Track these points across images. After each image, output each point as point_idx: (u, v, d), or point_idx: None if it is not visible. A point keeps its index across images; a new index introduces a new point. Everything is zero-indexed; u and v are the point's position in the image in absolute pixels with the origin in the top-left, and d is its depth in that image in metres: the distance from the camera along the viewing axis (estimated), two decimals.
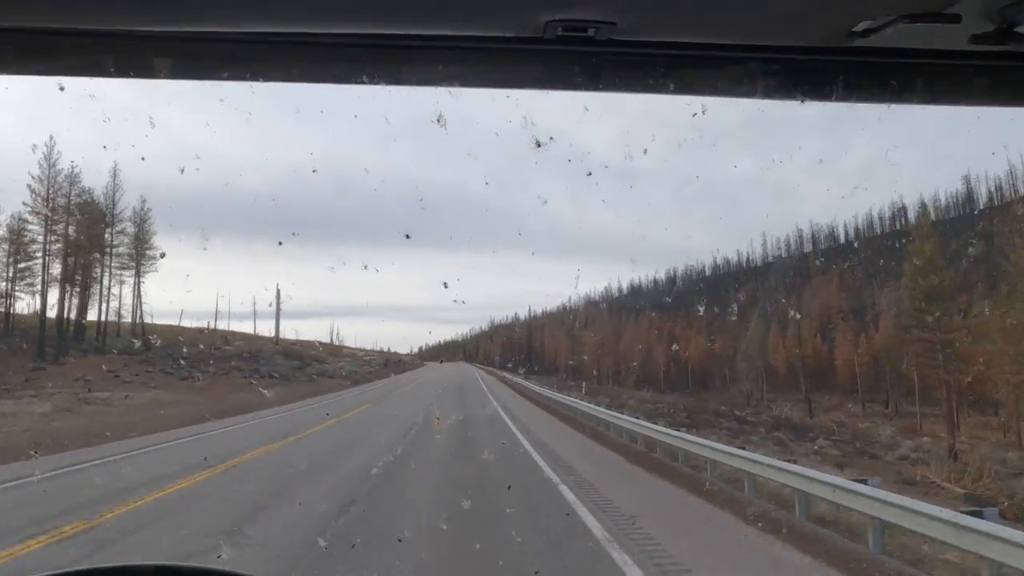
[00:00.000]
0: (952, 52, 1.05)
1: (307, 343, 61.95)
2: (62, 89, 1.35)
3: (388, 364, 76.22)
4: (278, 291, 54.06)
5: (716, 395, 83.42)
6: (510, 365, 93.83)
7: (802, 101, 1.14)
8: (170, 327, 50.31)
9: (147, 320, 52.56)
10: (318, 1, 0.98)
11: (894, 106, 1.16)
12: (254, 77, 1.20)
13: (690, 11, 0.97)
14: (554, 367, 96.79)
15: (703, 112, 1.40)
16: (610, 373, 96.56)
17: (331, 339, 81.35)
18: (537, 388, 38.62)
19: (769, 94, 1.13)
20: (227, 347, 49.45)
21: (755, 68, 1.11)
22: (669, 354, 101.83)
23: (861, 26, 0.96)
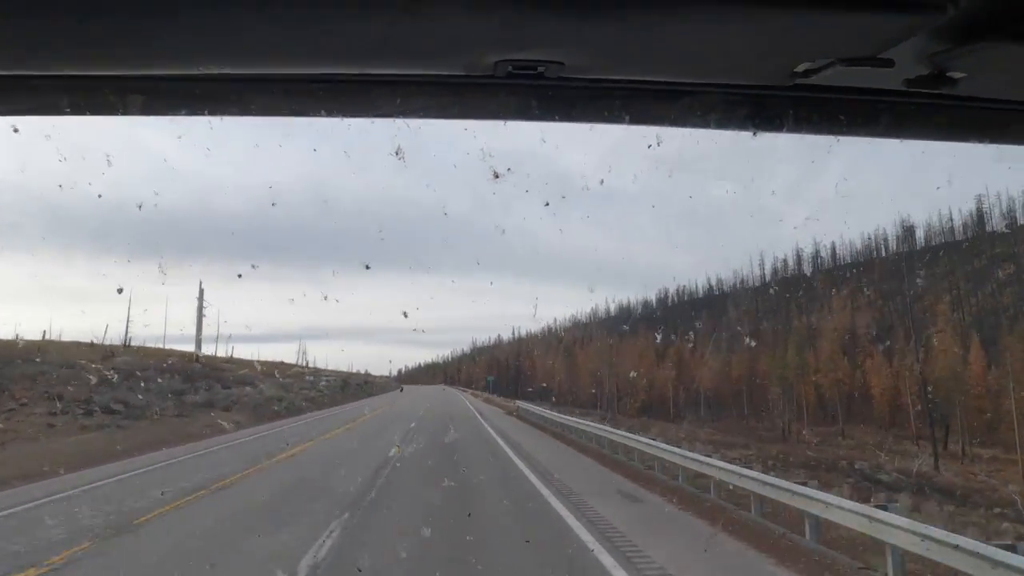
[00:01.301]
0: (889, 91, 1.09)
1: (244, 362, 53.78)
2: (16, 131, 1.36)
3: (347, 387, 65.01)
4: (200, 293, 43.97)
5: (739, 424, 77.91)
6: (532, 392, 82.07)
7: (755, 133, 1.18)
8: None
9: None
10: (270, 45, 1.00)
11: (843, 139, 1.19)
12: (212, 112, 1.22)
13: (635, 53, 1.01)
14: (546, 391, 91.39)
15: (658, 144, 1.42)
16: (610, 397, 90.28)
17: (298, 360, 75.50)
18: (567, 420, 27.92)
19: (723, 125, 1.17)
20: (86, 363, 32.73)
21: (707, 101, 1.16)
22: (679, 378, 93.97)
23: (801, 67, 1.02)
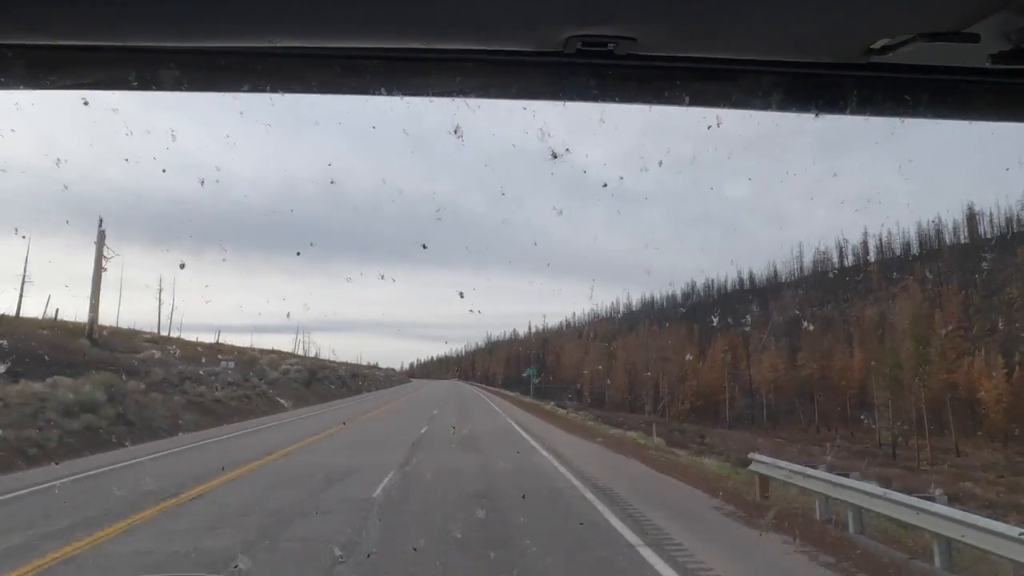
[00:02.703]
0: (970, 69, 1.08)
1: (188, 343, 46.73)
2: (86, 103, 1.40)
3: (312, 382, 48.99)
4: (99, 252, 32.88)
5: (810, 433, 69.51)
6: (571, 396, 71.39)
7: (816, 115, 1.19)
8: None
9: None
10: (338, 17, 1.03)
11: (908, 120, 1.18)
12: (274, 89, 1.26)
13: (709, 27, 1.02)
14: (577, 392, 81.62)
15: (718, 125, 1.42)
16: (645, 398, 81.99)
17: (295, 348, 73.24)
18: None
19: (784, 107, 1.18)
20: None
21: (770, 81, 1.16)
22: (735, 377, 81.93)
23: (879, 43, 1.01)
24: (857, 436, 66.32)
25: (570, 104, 1.38)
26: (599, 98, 1.31)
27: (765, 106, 1.29)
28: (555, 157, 1.65)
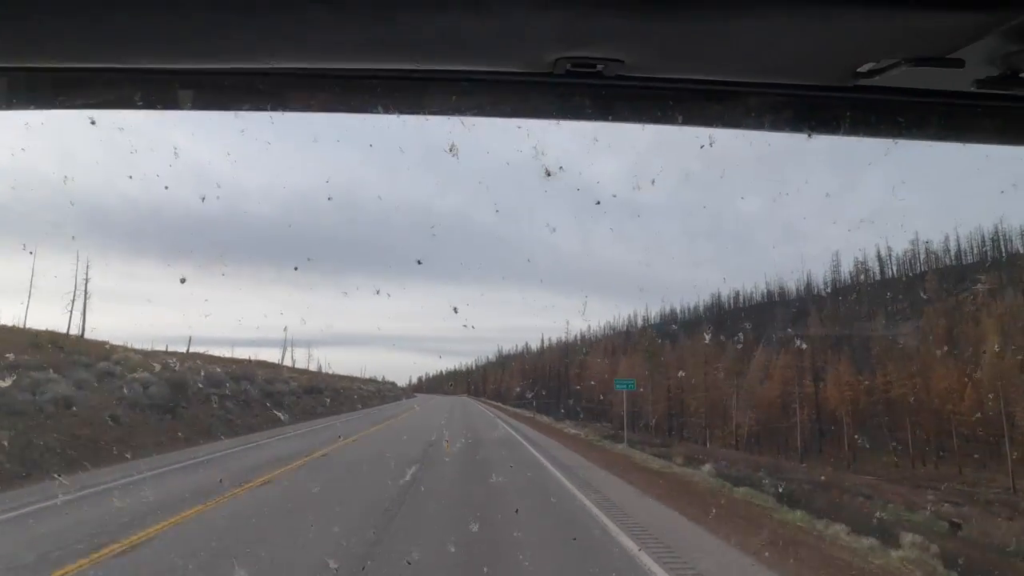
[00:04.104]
0: (956, 93, 1.09)
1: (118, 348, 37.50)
2: (93, 123, 1.46)
3: (176, 407, 25.88)
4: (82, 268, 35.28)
5: (905, 469, 57.75)
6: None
7: (809, 135, 1.21)
8: None
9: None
10: (337, 40, 1.07)
11: (901, 142, 1.19)
12: (274, 108, 1.31)
13: (696, 50, 1.05)
14: (604, 411, 70.92)
15: (711, 144, 1.45)
16: (677, 420, 72.47)
17: (282, 360, 69.07)
18: None
19: (777, 127, 1.20)
20: None
21: (763, 102, 1.18)
22: (794, 399, 69.20)
23: (865, 67, 1.03)
24: (970, 475, 55.00)
25: (564, 123, 1.41)
26: (592, 117, 1.35)
27: (758, 126, 1.32)
28: (549, 175, 1.68)
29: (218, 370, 34.53)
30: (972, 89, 1.19)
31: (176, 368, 29.78)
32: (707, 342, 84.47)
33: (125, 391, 25.19)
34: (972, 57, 1.09)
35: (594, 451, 28.79)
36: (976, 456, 53.90)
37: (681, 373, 75.26)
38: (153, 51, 1.23)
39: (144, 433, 22.21)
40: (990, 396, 53.33)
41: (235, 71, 1.32)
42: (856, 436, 64.77)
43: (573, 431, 40.08)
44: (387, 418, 44.81)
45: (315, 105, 1.42)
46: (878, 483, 40.60)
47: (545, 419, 54.61)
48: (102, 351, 30.33)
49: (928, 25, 1.02)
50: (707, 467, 23.49)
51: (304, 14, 1.07)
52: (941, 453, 58.65)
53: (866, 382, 66.10)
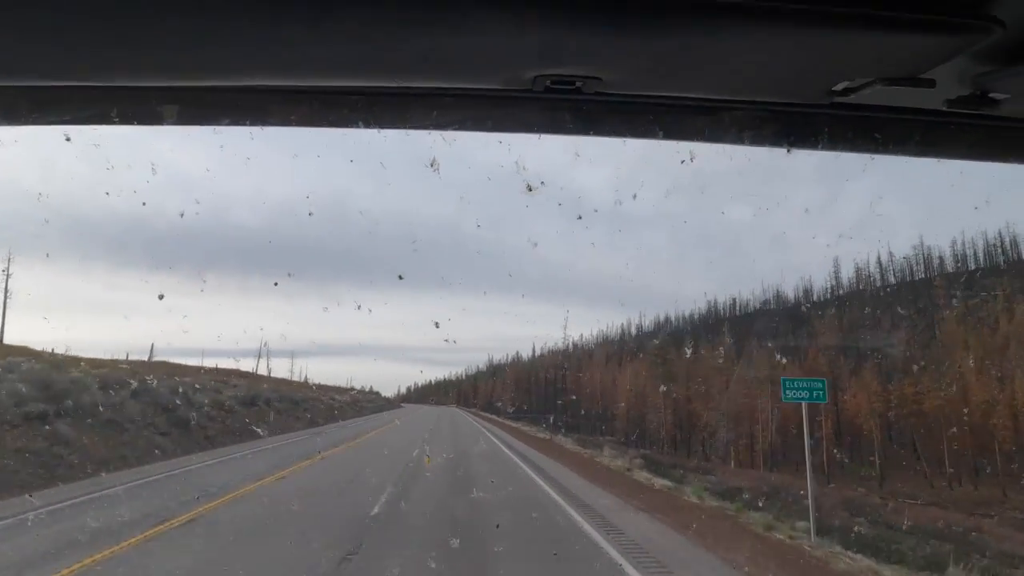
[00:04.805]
0: (930, 111, 1.11)
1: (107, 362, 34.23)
2: (68, 139, 1.46)
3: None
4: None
5: (943, 492, 49.83)
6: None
7: (788, 150, 1.22)
8: None
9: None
10: (317, 58, 1.09)
11: (878, 157, 1.21)
12: (254, 122, 1.30)
13: (673, 69, 1.06)
14: (604, 424, 68.60)
15: (691, 159, 1.46)
16: (684, 437, 66.88)
17: (255, 369, 62.90)
18: None
19: (757, 142, 1.21)
20: None
21: (742, 117, 1.19)
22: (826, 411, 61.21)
23: (840, 86, 1.05)
24: (1015, 498, 48.28)
25: (546, 137, 1.41)
26: (572, 131, 1.37)
27: (738, 140, 1.34)
28: (530, 190, 1.68)
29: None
30: (944, 108, 1.22)
31: None
32: (718, 351, 76.97)
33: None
34: (943, 77, 1.12)
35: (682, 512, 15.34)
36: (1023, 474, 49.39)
37: (701, 386, 67.30)
38: (131, 69, 1.23)
39: None
40: None
41: (214, 88, 1.32)
42: (894, 449, 57.27)
43: (607, 461, 28.43)
44: (355, 432, 34.68)
45: (296, 120, 1.44)
46: (925, 508, 35.29)
47: (570, 445, 37.48)
48: None
49: (901, 46, 1.05)
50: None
51: (284, 33, 1.08)
52: (980, 471, 51.65)
53: (896, 392, 59.29)
